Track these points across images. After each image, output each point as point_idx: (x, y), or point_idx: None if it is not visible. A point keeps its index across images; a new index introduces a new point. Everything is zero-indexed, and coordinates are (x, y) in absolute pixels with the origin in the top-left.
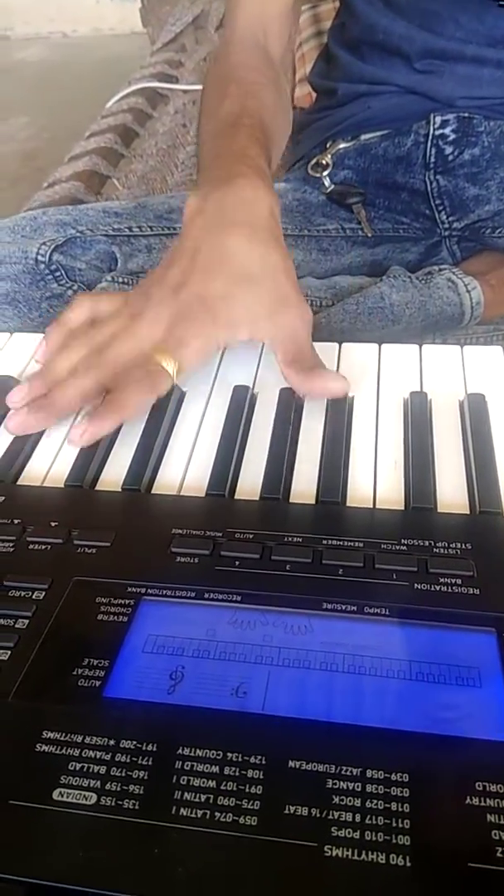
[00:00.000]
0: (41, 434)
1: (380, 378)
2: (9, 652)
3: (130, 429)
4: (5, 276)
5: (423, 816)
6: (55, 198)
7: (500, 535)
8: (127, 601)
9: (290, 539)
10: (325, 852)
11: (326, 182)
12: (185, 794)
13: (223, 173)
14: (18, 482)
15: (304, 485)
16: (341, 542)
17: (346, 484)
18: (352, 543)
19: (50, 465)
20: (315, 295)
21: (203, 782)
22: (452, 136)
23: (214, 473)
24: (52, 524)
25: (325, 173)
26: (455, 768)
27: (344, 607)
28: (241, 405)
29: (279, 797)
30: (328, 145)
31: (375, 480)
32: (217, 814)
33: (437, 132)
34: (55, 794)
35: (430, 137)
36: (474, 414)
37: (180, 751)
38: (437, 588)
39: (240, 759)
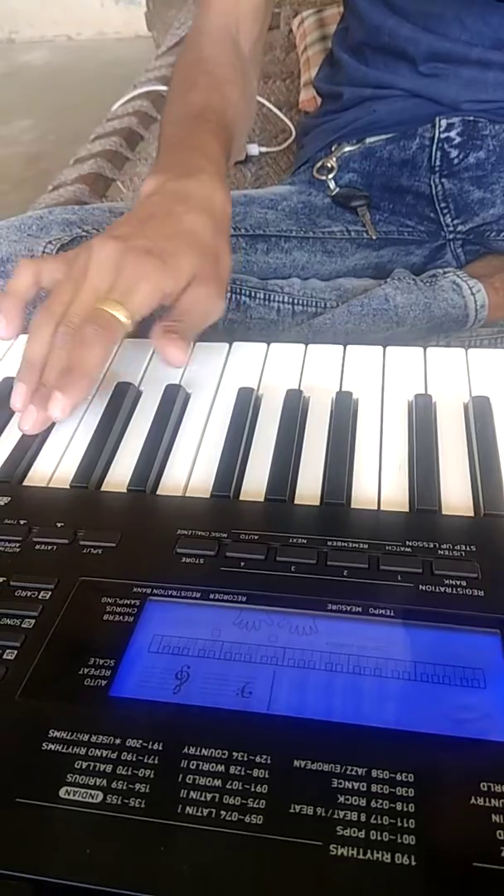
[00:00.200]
0: (46, 435)
1: (384, 380)
2: (15, 651)
3: (136, 430)
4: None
5: (428, 816)
6: (60, 200)
7: None
8: (133, 601)
9: (295, 540)
10: (330, 851)
11: (331, 185)
12: (191, 792)
13: (184, 164)
14: (24, 483)
15: (309, 486)
16: (346, 544)
17: (350, 486)
18: (356, 545)
19: (56, 467)
20: (319, 296)
21: (209, 781)
22: (457, 140)
23: (219, 475)
24: (58, 525)
25: (331, 176)
26: (460, 769)
27: (349, 608)
28: (246, 407)
29: (284, 796)
30: (333, 149)
31: (380, 482)
32: (222, 812)
33: (443, 136)
34: (62, 793)
35: (436, 141)
36: (479, 416)
37: (186, 750)
38: (442, 590)
39: (245, 759)
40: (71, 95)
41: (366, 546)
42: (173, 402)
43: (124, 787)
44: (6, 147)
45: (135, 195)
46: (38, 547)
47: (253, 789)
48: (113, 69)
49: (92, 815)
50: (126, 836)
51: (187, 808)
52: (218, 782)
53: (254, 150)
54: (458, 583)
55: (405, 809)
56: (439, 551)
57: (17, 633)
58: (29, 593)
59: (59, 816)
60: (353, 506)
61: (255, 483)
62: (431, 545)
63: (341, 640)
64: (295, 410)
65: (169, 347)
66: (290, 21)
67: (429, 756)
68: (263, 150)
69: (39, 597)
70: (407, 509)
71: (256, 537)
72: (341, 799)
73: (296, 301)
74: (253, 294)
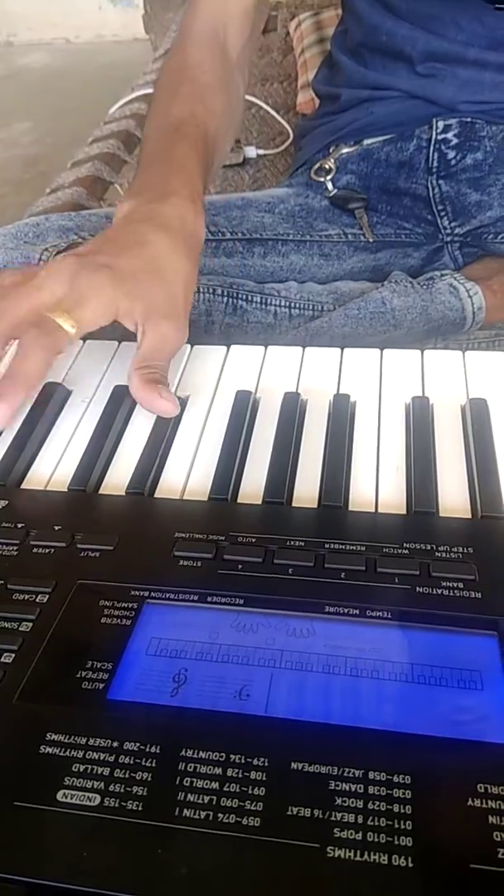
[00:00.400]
0: (44, 438)
1: (382, 383)
2: (13, 654)
3: (134, 433)
4: None
5: (426, 818)
6: (58, 203)
7: (502, 539)
8: (130, 604)
9: (292, 543)
10: (327, 853)
11: (329, 186)
12: (189, 795)
13: (158, 187)
14: (22, 486)
15: (307, 489)
16: (343, 546)
17: (348, 488)
18: (354, 547)
19: (53, 469)
20: (316, 300)
21: (206, 784)
22: (455, 141)
23: (217, 477)
24: (56, 528)
25: (328, 178)
26: (457, 770)
27: (346, 610)
28: (244, 409)
29: (282, 799)
30: (331, 150)
31: (377, 484)
32: (220, 815)
33: (440, 137)
34: (59, 796)
35: (433, 142)
36: (476, 419)
37: (183, 753)
38: (439, 592)
39: (243, 761)
40: (69, 98)
41: (363, 548)
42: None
43: (122, 790)
44: (5, 149)
45: None
46: (35, 550)
47: (250, 792)
48: (111, 72)
49: (89, 818)
50: (123, 838)
51: (185, 810)
52: (215, 785)
53: (251, 152)
54: (456, 585)
55: (402, 811)
56: (437, 553)
57: (15, 636)
58: (26, 596)
59: (57, 819)
60: (350, 508)
61: (253, 486)
62: (429, 547)
63: (339, 643)
64: (292, 413)
65: (158, 402)
66: (287, 24)
67: (426, 758)
68: (261, 152)
69: (37, 600)
70: (404, 511)
71: (254, 540)
72: (338, 801)
73: (292, 304)
74: (249, 298)
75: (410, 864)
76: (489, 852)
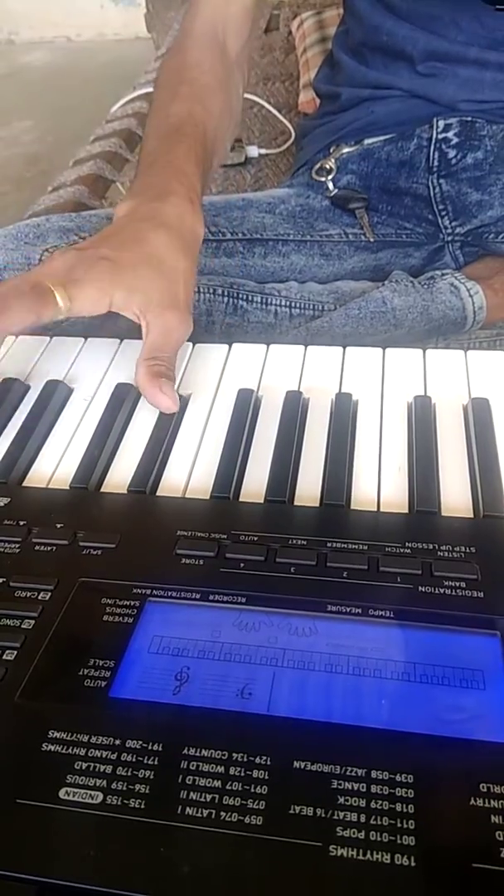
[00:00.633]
0: (46, 436)
1: (384, 382)
2: (15, 652)
3: (135, 431)
4: None
5: (428, 817)
6: (60, 201)
7: None
8: (132, 602)
9: (294, 542)
10: (329, 852)
11: (330, 186)
12: (191, 793)
13: (156, 187)
14: (24, 484)
15: (309, 488)
16: (346, 545)
17: (350, 487)
18: (356, 546)
19: (55, 467)
20: (317, 300)
21: (208, 782)
22: (455, 140)
23: (219, 476)
24: (58, 526)
25: (329, 178)
26: (459, 770)
27: (348, 609)
28: (246, 408)
29: (284, 797)
30: (332, 150)
31: (380, 484)
32: (222, 813)
33: (441, 136)
34: (61, 793)
35: (434, 141)
36: (478, 418)
37: (186, 751)
38: (441, 591)
39: (245, 760)
40: (71, 97)
41: (365, 547)
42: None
43: (124, 788)
44: (6, 148)
45: None
46: (37, 548)
47: (253, 790)
48: (112, 70)
49: (92, 815)
50: (126, 836)
51: (187, 808)
52: (218, 783)
53: (253, 152)
54: (458, 584)
55: (405, 810)
56: (439, 553)
57: (17, 633)
58: (29, 594)
59: (59, 817)
60: (352, 507)
61: (255, 484)
62: (431, 546)
63: (341, 642)
64: (295, 412)
65: (159, 398)
66: (289, 23)
67: (428, 757)
68: (263, 152)
69: (39, 598)
70: (406, 511)
71: (256, 538)
72: (341, 800)
73: (293, 304)
74: (250, 298)
75: (413, 864)
76: (491, 852)
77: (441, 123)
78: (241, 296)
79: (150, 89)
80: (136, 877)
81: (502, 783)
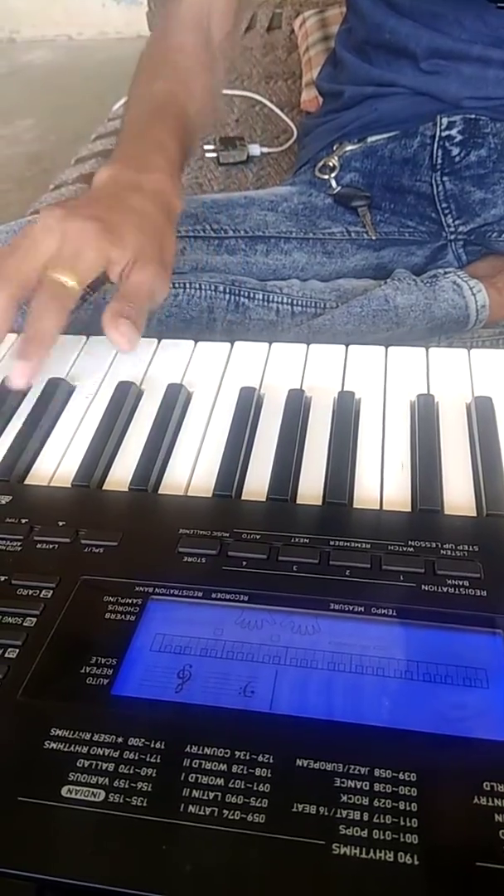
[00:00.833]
0: (48, 434)
1: (387, 380)
2: (17, 650)
3: (137, 429)
4: None
5: (431, 816)
6: (61, 200)
7: None
8: (134, 600)
9: (297, 540)
10: (332, 850)
11: (333, 184)
12: (194, 791)
13: (140, 158)
14: (26, 482)
15: (311, 486)
16: (348, 544)
17: (353, 485)
18: (359, 545)
19: (57, 465)
20: (319, 297)
21: (211, 780)
22: (459, 138)
23: (221, 474)
24: (60, 524)
25: (332, 175)
26: (462, 768)
27: (351, 608)
28: (248, 406)
29: (287, 795)
30: (335, 148)
31: (382, 482)
32: (225, 811)
33: (444, 133)
34: (64, 791)
35: (437, 139)
36: (481, 416)
37: (188, 749)
38: (444, 589)
39: (248, 758)
40: (72, 95)
41: (368, 546)
42: (175, 402)
43: (126, 786)
44: (8, 146)
45: None
46: (39, 546)
47: (255, 788)
48: (114, 69)
49: (94, 813)
50: (128, 834)
51: (190, 806)
52: (220, 781)
53: (255, 150)
54: (461, 583)
55: (408, 808)
56: (442, 551)
57: (19, 631)
58: (30, 592)
59: (62, 815)
60: (355, 505)
61: (257, 482)
62: (434, 545)
63: (344, 640)
64: (297, 410)
65: (113, 333)
66: (291, 21)
67: (431, 756)
68: (265, 150)
69: (41, 595)
70: (409, 509)
71: (258, 537)
72: (344, 798)
73: (295, 302)
74: (252, 295)
75: (416, 862)
76: (495, 850)
77: (445, 121)
78: (242, 293)
79: None
80: (139, 875)
81: None
